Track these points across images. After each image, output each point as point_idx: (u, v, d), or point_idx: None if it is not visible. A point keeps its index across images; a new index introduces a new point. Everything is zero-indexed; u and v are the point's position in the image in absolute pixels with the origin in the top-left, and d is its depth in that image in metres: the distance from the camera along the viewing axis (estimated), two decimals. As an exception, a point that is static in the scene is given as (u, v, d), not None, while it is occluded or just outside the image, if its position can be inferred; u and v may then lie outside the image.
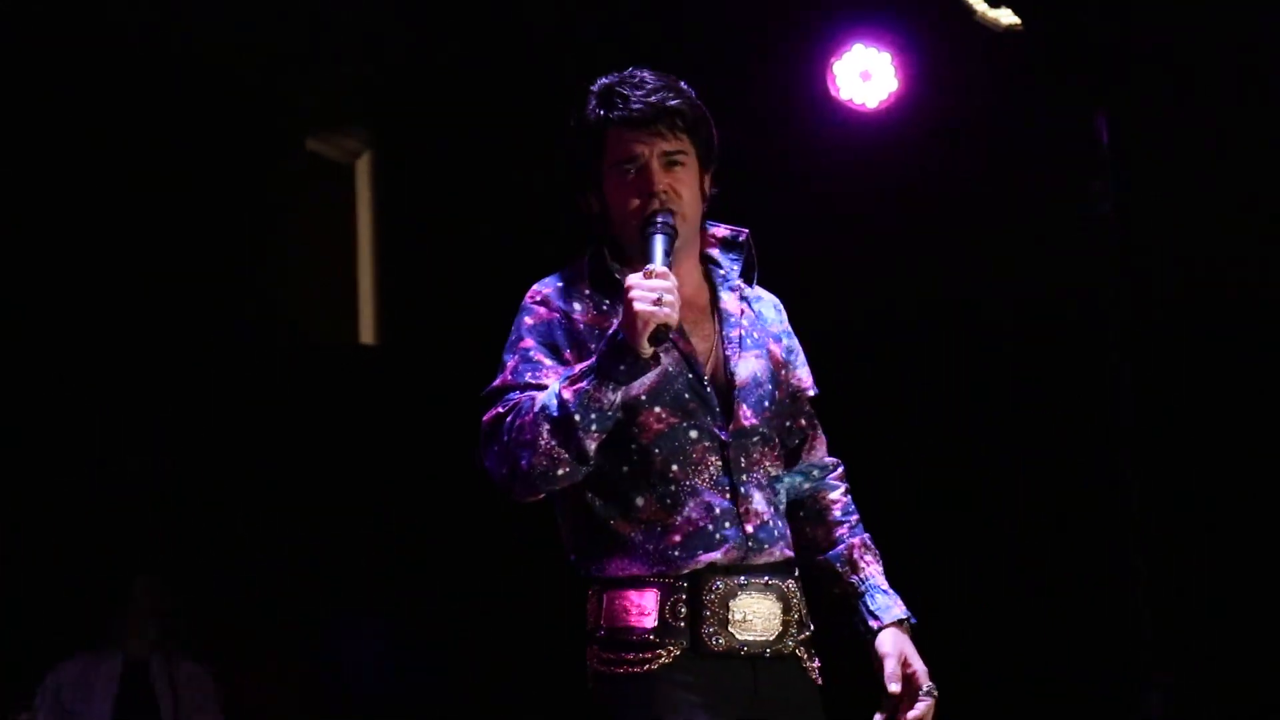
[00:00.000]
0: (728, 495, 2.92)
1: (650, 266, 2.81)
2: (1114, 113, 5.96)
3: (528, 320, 2.96)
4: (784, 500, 3.03)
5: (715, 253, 3.11)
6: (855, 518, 3.13)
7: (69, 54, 6.24)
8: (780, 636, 2.92)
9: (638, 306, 2.75)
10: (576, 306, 2.96)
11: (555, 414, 2.79)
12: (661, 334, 2.76)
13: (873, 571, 3.07)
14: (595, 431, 2.80)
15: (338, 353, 7.49)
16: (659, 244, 2.87)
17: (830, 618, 3.07)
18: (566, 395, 2.79)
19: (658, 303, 2.75)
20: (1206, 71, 6.01)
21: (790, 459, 3.09)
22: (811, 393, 3.13)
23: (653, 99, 2.94)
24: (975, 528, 6.53)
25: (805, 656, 2.97)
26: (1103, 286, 5.95)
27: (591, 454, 2.82)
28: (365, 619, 6.95)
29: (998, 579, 6.42)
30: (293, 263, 7.43)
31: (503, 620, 6.76)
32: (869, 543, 3.11)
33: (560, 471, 2.82)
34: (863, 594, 3.04)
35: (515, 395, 2.88)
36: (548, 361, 2.91)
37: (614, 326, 2.82)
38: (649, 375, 2.86)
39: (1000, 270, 6.43)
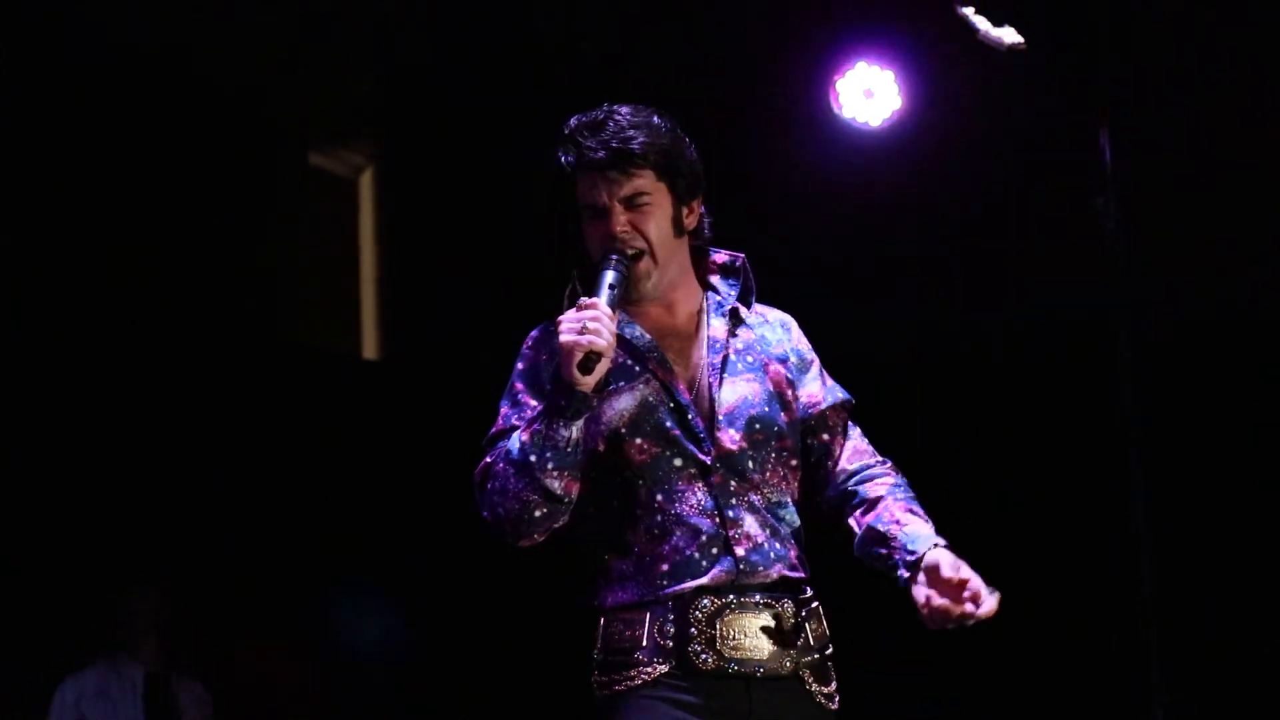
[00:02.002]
0: (715, 520, 2.92)
1: (582, 299, 2.84)
2: (1117, 130, 5.96)
3: (519, 366, 3.01)
4: (795, 520, 3.02)
5: (715, 279, 3.13)
6: (903, 492, 3.06)
7: (72, 69, 6.24)
8: (775, 657, 2.91)
9: (562, 338, 2.78)
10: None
11: (516, 457, 2.84)
12: (591, 362, 2.78)
13: (914, 523, 2.99)
14: (554, 470, 2.83)
15: (340, 368, 7.49)
16: (604, 279, 2.89)
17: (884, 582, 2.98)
18: (524, 438, 2.84)
19: (581, 331, 2.77)
20: (1210, 88, 6.02)
21: (823, 478, 3.08)
22: (825, 405, 3.11)
23: (612, 144, 2.96)
24: (978, 544, 6.52)
25: (811, 679, 2.95)
26: (1107, 303, 5.95)
27: (560, 491, 2.84)
28: (365, 634, 6.95)
29: (1002, 597, 6.41)
30: (295, 278, 7.43)
31: (503, 641, 6.75)
32: (915, 505, 3.04)
33: (536, 513, 2.85)
34: (902, 545, 2.96)
35: (503, 444, 2.92)
36: (534, 403, 2.93)
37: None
38: (628, 406, 2.91)
39: (1004, 287, 6.43)
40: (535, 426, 2.83)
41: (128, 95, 6.40)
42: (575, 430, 2.83)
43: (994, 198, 6.25)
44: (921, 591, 2.90)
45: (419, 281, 7.41)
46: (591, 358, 2.78)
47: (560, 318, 2.82)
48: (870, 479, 3.09)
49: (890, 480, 3.09)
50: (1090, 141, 5.92)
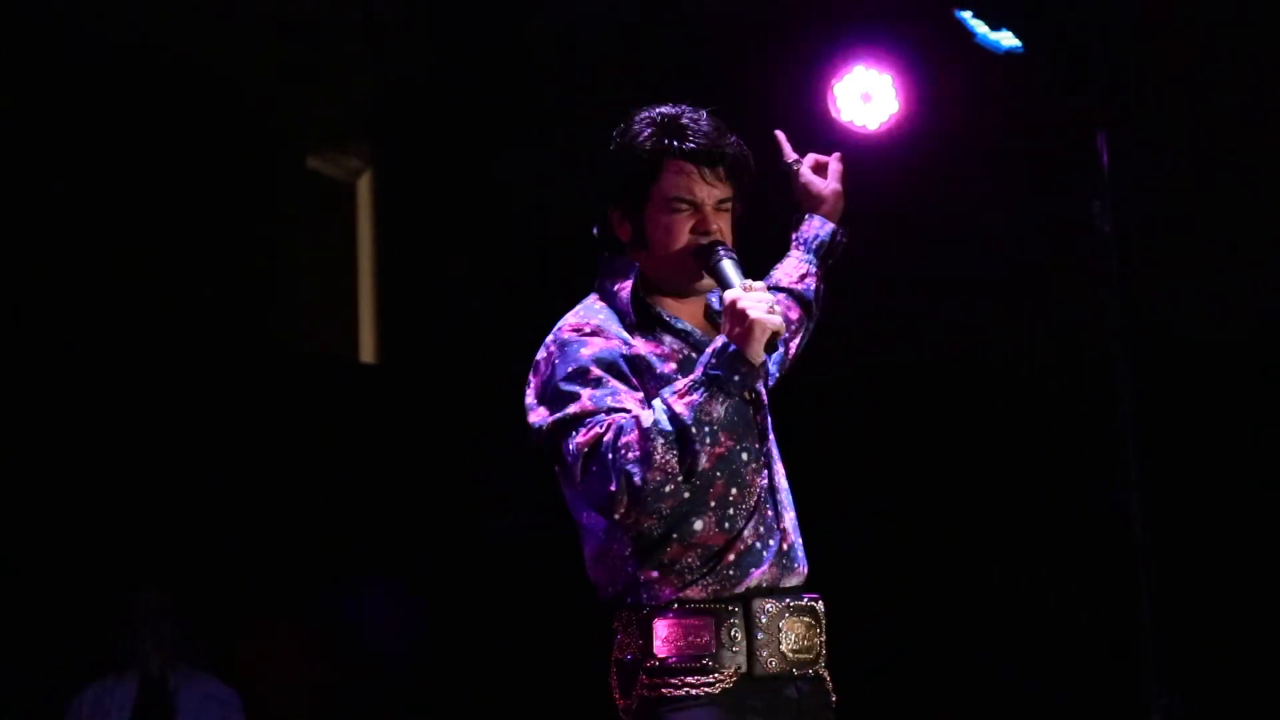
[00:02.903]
0: (770, 513, 2.97)
1: (748, 282, 2.86)
2: (1114, 133, 5.96)
3: (584, 351, 2.92)
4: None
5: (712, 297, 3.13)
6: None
7: (71, 73, 6.25)
8: (819, 656, 2.97)
9: (754, 315, 2.78)
10: (627, 336, 2.97)
11: (669, 428, 2.77)
12: (773, 342, 2.80)
13: (799, 253, 3.52)
14: (709, 446, 2.79)
15: (338, 371, 7.49)
16: (732, 268, 2.92)
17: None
18: (679, 409, 2.78)
19: (770, 310, 2.79)
20: (1206, 90, 6.02)
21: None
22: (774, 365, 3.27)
23: (719, 140, 2.98)
24: (977, 553, 6.53)
25: (828, 677, 3.01)
26: (1104, 305, 5.95)
27: (701, 468, 2.81)
28: (368, 636, 6.95)
29: (1001, 604, 6.41)
30: (294, 282, 7.43)
31: (507, 641, 6.75)
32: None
33: (669, 488, 2.79)
34: (809, 261, 3.50)
35: (604, 418, 2.84)
36: (622, 387, 2.89)
37: (717, 340, 2.83)
38: None
39: (1001, 290, 6.43)
40: (693, 398, 2.78)
41: (126, 100, 6.41)
42: (730, 407, 2.81)
43: (991, 201, 6.25)
44: (828, 200, 3.60)
45: (417, 285, 7.41)
46: (775, 337, 2.80)
47: (733, 296, 2.81)
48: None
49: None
50: (1087, 145, 5.93)
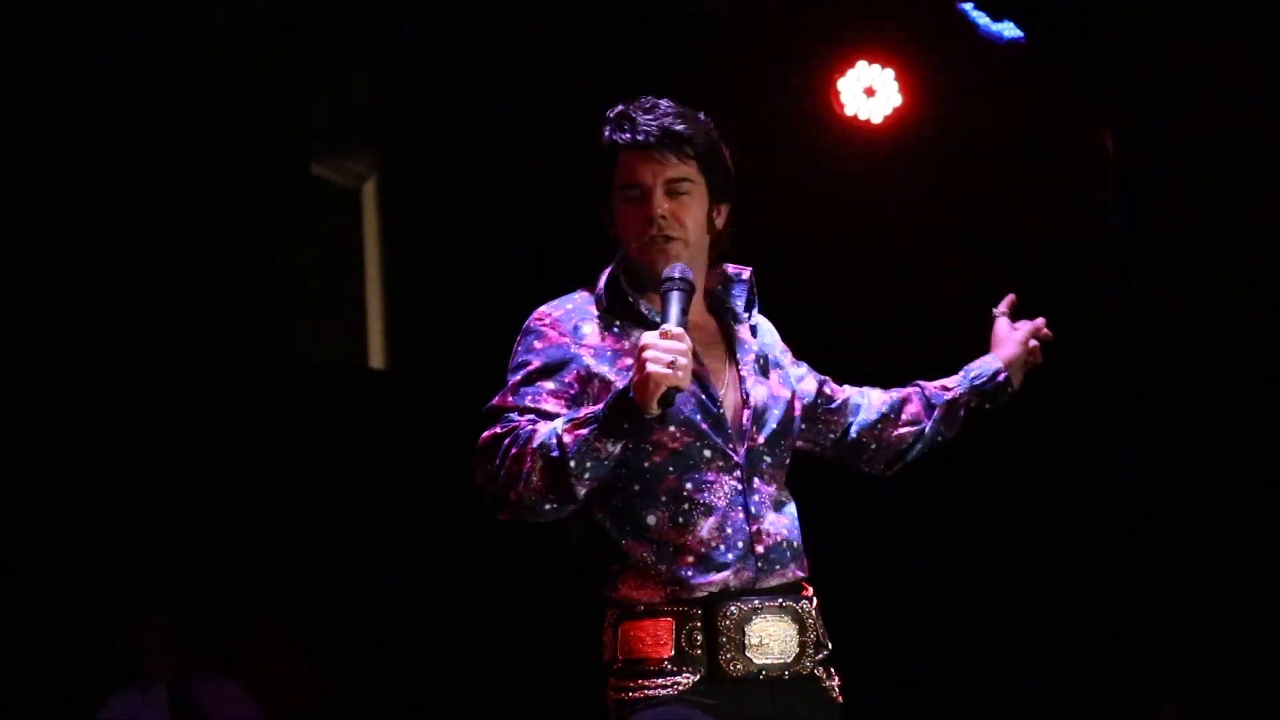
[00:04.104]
0: (741, 515, 2.93)
1: (666, 326, 2.80)
2: (1119, 126, 5.96)
3: (535, 343, 2.96)
4: (795, 522, 3.03)
5: (720, 288, 3.13)
6: (895, 387, 3.41)
7: (72, 80, 6.25)
8: (798, 658, 2.93)
9: (651, 369, 2.74)
10: (585, 330, 2.97)
11: (553, 454, 2.79)
12: (670, 396, 2.77)
13: (954, 381, 3.43)
14: (589, 479, 2.81)
15: (347, 378, 7.49)
16: (675, 301, 2.86)
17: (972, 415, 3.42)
18: (567, 439, 2.79)
19: (671, 365, 2.75)
20: (1211, 83, 6.01)
21: (843, 432, 3.31)
22: (817, 382, 3.28)
23: (662, 122, 2.96)
24: (978, 553, 6.52)
25: (824, 676, 2.98)
26: (1109, 298, 5.95)
27: (581, 496, 2.82)
28: (376, 641, 6.95)
29: (1007, 610, 6.41)
30: (300, 289, 7.43)
31: (514, 646, 6.75)
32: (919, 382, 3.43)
33: (546, 507, 2.82)
34: (971, 389, 3.42)
35: (515, 418, 2.87)
36: (550, 385, 2.91)
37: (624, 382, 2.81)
38: None
39: (1005, 284, 6.41)
40: (583, 432, 2.78)
41: (129, 107, 6.41)
42: (621, 447, 2.81)
43: (996, 195, 6.25)
44: (1018, 368, 3.52)
45: (424, 290, 7.41)
46: (672, 392, 2.77)
47: (645, 341, 2.78)
48: (876, 397, 3.37)
49: (881, 390, 3.39)
50: (1092, 137, 5.93)
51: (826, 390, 3.29)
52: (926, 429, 3.35)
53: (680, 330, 2.79)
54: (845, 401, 3.31)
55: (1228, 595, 6.17)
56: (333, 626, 6.87)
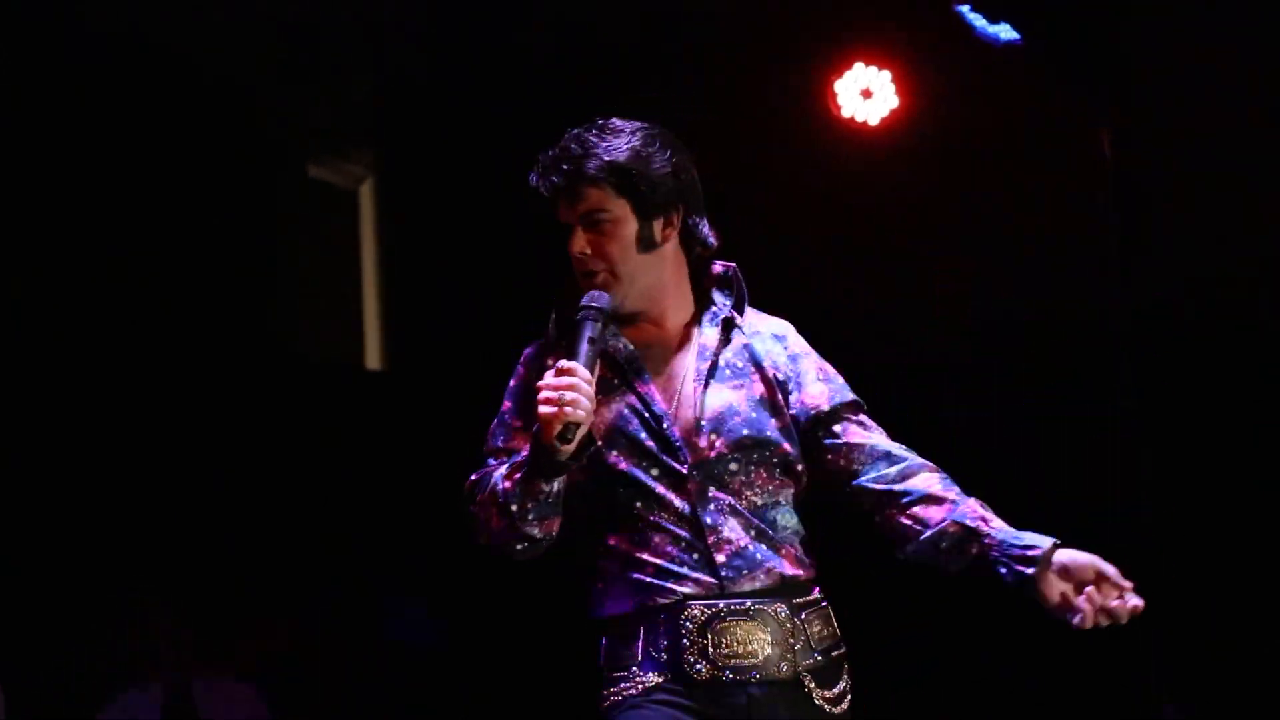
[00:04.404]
0: (693, 529, 2.94)
1: (561, 363, 2.84)
2: (1117, 127, 5.96)
3: (512, 382, 3.07)
4: (789, 525, 3.03)
5: (714, 291, 3.14)
6: (957, 488, 3.06)
7: (70, 80, 6.24)
8: (771, 661, 2.92)
9: (540, 410, 2.80)
10: (548, 364, 2.99)
11: (500, 500, 2.88)
12: (569, 431, 2.79)
13: (999, 523, 3.00)
14: (534, 520, 2.87)
15: (344, 378, 7.49)
16: (582, 334, 2.90)
17: (975, 578, 2.99)
18: (506, 485, 2.88)
19: (561, 403, 2.78)
20: (1209, 84, 6.01)
21: (852, 466, 3.05)
22: (831, 404, 3.09)
23: (563, 165, 3.00)
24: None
25: (811, 682, 2.96)
26: (1108, 300, 5.95)
27: (540, 535, 2.90)
28: (375, 644, 6.94)
29: (1006, 609, 6.40)
30: (297, 290, 7.42)
31: (514, 653, 6.74)
32: (984, 503, 3.05)
33: (517, 547, 2.92)
34: (1002, 541, 2.97)
35: (490, 462, 2.99)
36: (518, 424, 2.99)
37: None
38: (604, 420, 2.93)
39: (1004, 285, 6.42)
40: (518, 476, 2.86)
41: (128, 107, 6.40)
42: (557, 484, 2.86)
43: (994, 196, 6.25)
44: (1057, 589, 2.92)
45: (421, 291, 7.40)
46: (570, 428, 2.78)
47: (539, 384, 2.83)
48: (913, 473, 3.06)
49: (938, 475, 3.07)
50: (1091, 139, 5.93)
51: (835, 426, 3.08)
52: (903, 526, 3.04)
53: (572, 365, 2.82)
54: (852, 446, 3.07)
55: (1228, 596, 6.17)
56: (332, 627, 6.87)
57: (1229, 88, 5.98)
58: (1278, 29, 5.84)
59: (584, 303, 2.94)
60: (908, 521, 3.02)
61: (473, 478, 2.97)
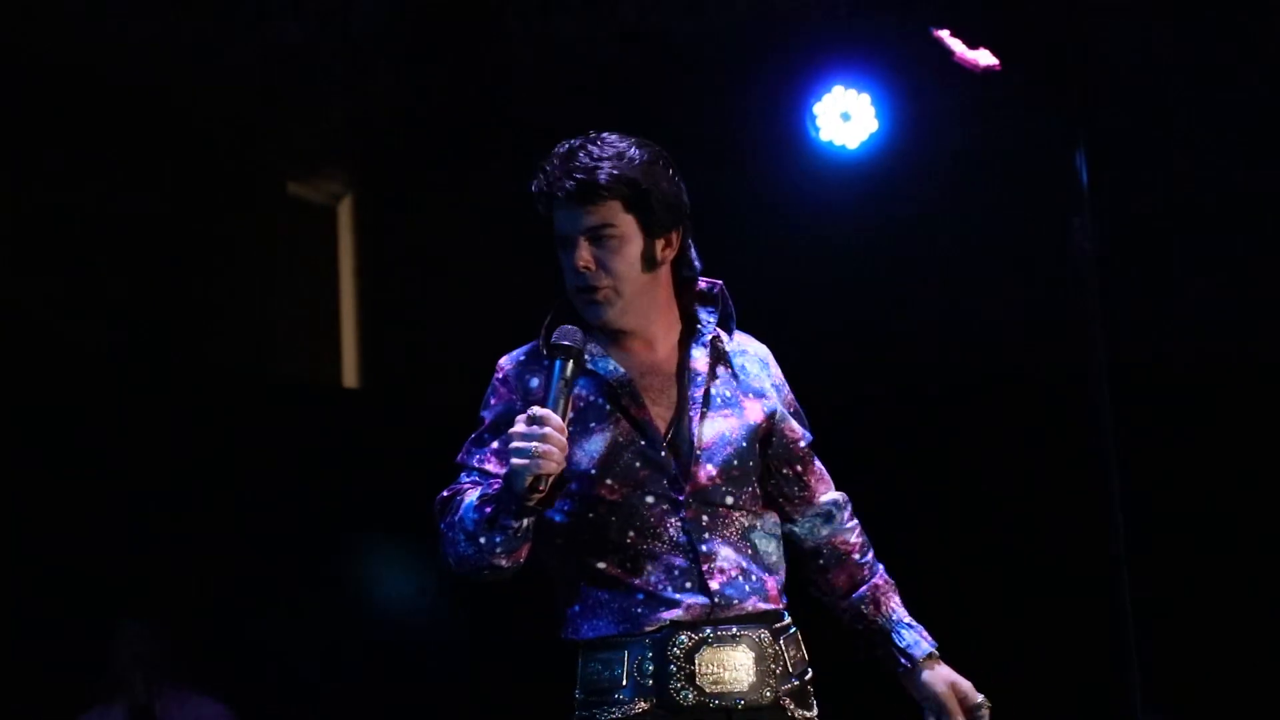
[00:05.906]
0: (689, 555, 2.92)
1: (532, 411, 2.79)
2: (1093, 150, 5.98)
3: (491, 398, 3.00)
4: (770, 551, 3.02)
5: (698, 308, 3.09)
6: (871, 555, 3.18)
7: (45, 96, 6.24)
8: (755, 688, 2.92)
9: (513, 461, 2.77)
10: (534, 383, 2.97)
11: (470, 528, 2.85)
12: (540, 482, 2.76)
13: (894, 606, 3.14)
14: (502, 553, 2.85)
15: (321, 397, 7.48)
16: (555, 376, 2.84)
17: (864, 655, 3.17)
18: (476, 516, 2.84)
19: (534, 455, 2.75)
20: (1185, 107, 6.05)
21: (798, 507, 3.11)
22: (804, 442, 3.12)
23: (576, 175, 2.90)
24: (963, 564, 6.53)
25: (792, 705, 2.96)
26: (1083, 322, 5.97)
27: (507, 565, 2.87)
28: (354, 665, 6.93)
29: (985, 617, 6.42)
30: (274, 307, 7.42)
31: (490, 676, 6.74)
32: (887, 578, 3.17)
33: (486, 573, 2.89)
34: (889, 632, 3.11)
35: (463, 478, 2.95)
36: (495, 445, 2.93)
37: None
38: (598, 448, 2.90)
39: (981, 308, 6.45)
40: (488, 510, 2.82)
41: (107, 128, 6.40)
42: (526, 521, 2.83)
43: (971, 219, 6.28)
44: (924, 693, 3.11)
45: (399, 309, 7.40)
46: (541, 479, 2.76)
47: (511, 431, 2.78)
48: (839, 540, 3.15)
49: (859, 540, 3.17)
50: (1066, 162, 5.95)
51: (799, 467, 3.10)
52: (831, 585, 3.15)
53: (545, 413, 2.77)
54: (805, 492, 3.11)
55: (1209, 606, 6.20)
56: (309, 644, 6.86)
57: (1205, 111, 6.03)
58: (1254, 51, 5.88)
59: (555, 339, 2.86)
60: (824, 583, 3.15)
61: (444, 494, 2.93)
